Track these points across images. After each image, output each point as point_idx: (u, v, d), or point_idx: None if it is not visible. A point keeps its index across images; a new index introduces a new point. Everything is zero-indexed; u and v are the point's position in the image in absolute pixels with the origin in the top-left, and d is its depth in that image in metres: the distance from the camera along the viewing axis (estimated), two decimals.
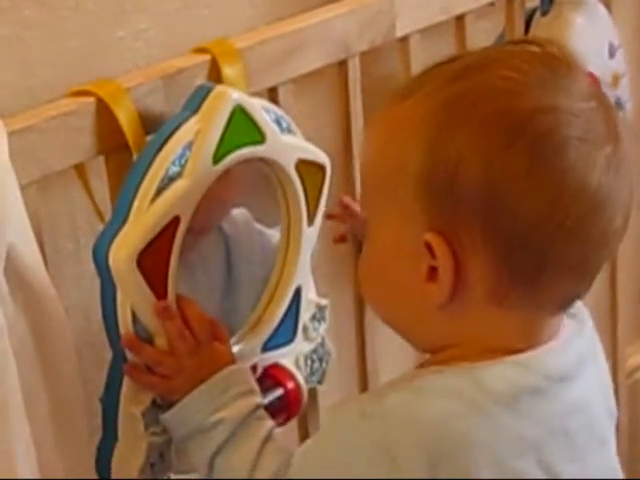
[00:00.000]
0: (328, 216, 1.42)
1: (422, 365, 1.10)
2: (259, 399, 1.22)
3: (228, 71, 1.29)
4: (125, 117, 1.20)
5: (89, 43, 1.32)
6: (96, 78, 1.24)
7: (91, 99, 1.19)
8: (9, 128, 1.10)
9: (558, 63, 1.07)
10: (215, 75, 1.28)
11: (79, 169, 1.22)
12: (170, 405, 1.22)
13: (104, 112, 1.19)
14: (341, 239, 1.53)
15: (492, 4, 1.61)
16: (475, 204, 1.01)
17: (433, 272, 1.03)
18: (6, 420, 1.08)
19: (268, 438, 1.20)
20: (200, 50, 1.30)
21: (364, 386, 1.59)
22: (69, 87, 1.23)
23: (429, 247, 1.03)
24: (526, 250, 1.03)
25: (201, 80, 1.28)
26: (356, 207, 1.48)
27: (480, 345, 1.07)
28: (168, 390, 1.22)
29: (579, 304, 1.13)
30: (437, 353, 1.09)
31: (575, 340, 1.12)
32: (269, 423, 1.21)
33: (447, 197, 1.02)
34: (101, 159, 1.22)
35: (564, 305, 1.08)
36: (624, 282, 2.01)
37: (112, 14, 1.33)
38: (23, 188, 1.11)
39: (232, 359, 1.24)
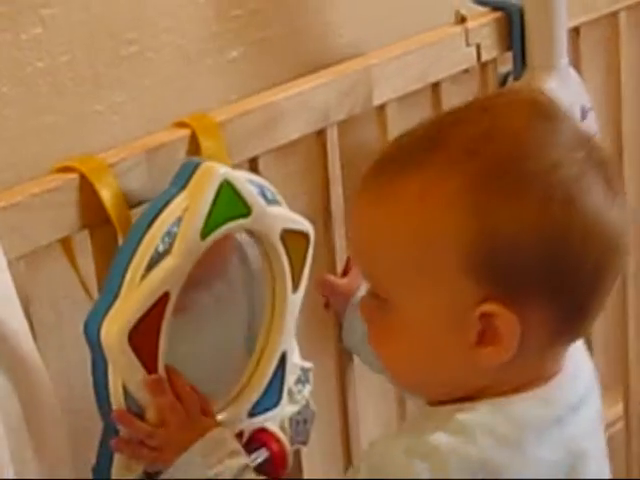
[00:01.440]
0: (319, 283, 1.46)
1: (439, 402, 1.12)
2: (247, 460, 1.24)
3: (207, 144, 1.30)
4: (108, 193, 1.22)
5: (67, 118, 1.33)
6: (77, 152, 1.27)
7: (74, 175, 1.21)
8: None
9: (552, 113, 1.10)
10: (195, 149, 1.30)
11: (65, 243, 1.23)
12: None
13: (87, 188, 1.21)
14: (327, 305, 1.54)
15: (466, 71, 1.62)
16: (536, 269, 1.04)
17: (483, 336, 1.05)
18: None
19: None
20: (180, 124, 1.32)
21: (347, 446, 1.60)
22: (51, 162, 1.25)
23: (486, 316, 1.04)
24: (581, 301, 1.08)
25: (182, 154, 1.30)
26: (336, 282, 1.50)
27: (510, 384, 1.09)
28: (159, 461, 1.23)
29: None
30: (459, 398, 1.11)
31: (584, 366, 1.17)
32: None
33: (503, 267, 1.04)
34: (86, 233, 1.24)
35: (579, 337, 1.15)
36: None
37: (89, 89, 1.35)
38: (11, 262, 1.12)
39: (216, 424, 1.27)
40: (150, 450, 1.23)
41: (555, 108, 1.10)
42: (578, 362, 1.16)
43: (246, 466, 1.23)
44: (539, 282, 1.06)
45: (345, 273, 1.51)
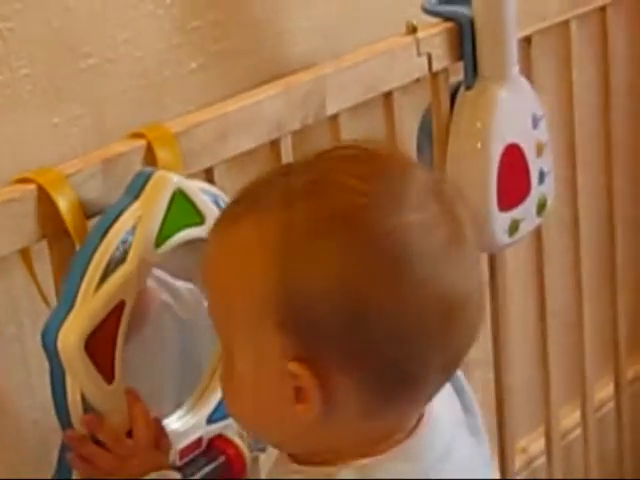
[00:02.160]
0: None
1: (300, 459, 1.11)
2: None
3: (163, 155, 1.31)
4: (65, 204, 1.22)
5: (25, 130, 1.33)
6: (35, 165, 1.27)
7: (32, 186, 1.22)
8: None
9: (395, 171, 1.05)
10: (150, 159, 1.31)
11: (23, 253, 1.25)
12: None
13: (45, 199, 1.22)
14: None
15: (418, 80, 1.63)
16: (337, 331, 1.00)
17: (300, 393, 1.02)
18: None
19: None
20: (136, 135, 1.33)
21: None
22: (9, 174, 1.26)
23: (293, 375, 1.00)
24: (395, 368, 1.02)
25: (138, 164, 1.31)
26: None
27: (359, 449, 1.06)
28: (116, 472, 1.23)
29: None
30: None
31: (447, 406, 1.14)
32: None
33: (307, 327, 1.00)
34: (44, 243, 1.24)
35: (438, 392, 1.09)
36: None
37: (47, 101, 1.35)
38: None
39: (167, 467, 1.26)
40: (111, 460, 1.22)
41: (402, 167, 1.07)
42: (439, 406, 1.12)
43: None
44: (343, 347, 1.01)
45: None
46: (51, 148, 1.35)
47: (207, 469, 1.34)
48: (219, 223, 1.09)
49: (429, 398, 1.07)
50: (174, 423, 1.32)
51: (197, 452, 1.34)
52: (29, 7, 1.31)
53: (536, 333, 2.07)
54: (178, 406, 1.34)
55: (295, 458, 1.10)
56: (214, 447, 1.36)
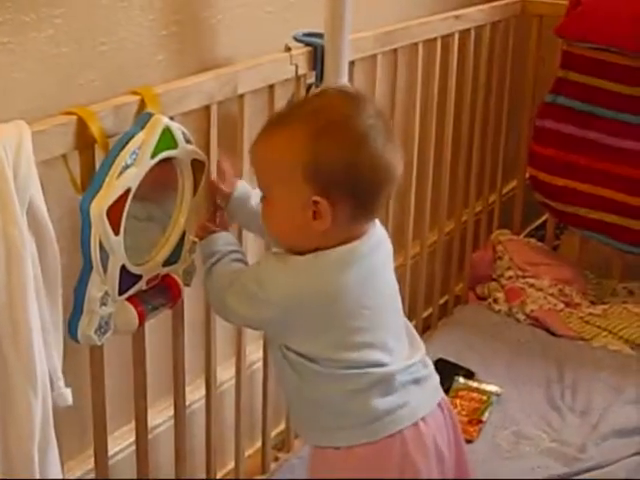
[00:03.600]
0: (213, 189, 1.50)
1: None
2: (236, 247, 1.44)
3: (150, 105, 1.35)
4: (94, 127, 1.27)
5: (65, 86, 1.38)
6: (71, 104, 1.32)
7: (74, 117, 1.27)
8: (33, 129, 1.18)
9: (355, 96, 1.32)
10: (143, 108, 1.34)
11: (64, 157, 1.27)
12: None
13: (82, 124, 1.27)
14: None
15: (288, 79, 1.69)
16: (336, 179, 1.26)
17: (315, 215, 1.27)
18: (25, 292, 1.14)
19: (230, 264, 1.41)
20: (134, 92, 1.37)
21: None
22: (59, 108, 1.30)
23: (316, 203, 1.26)
24: (367, 197, 1.29)
25: (134, 109, 1.35)
26: (221, 187, 1.50)
27: (333, 243, 1.30)
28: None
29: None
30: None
31: (377, 231, 1.36)
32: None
33: (325, 177, 1.26)
34: (76, 153, 1.29)
35: (373, 219, 1.35)
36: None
37: (75, 70, 1.40)
38: (38, 164, 1.18)
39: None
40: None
41: (352, 92, 1.34)
42: (381, 237, 1.37)
43: (232, 251, 1.42)
44: (345, 188, 1.27)
45: (221, 180, 1.51)
46: (81, 97, 1.39)
47: (160, 292, 1.42)
48: (267, 129, 1.32)
49: (376, 216, 1.34)
50: (146, 264, 1.38)
51: (155, 282, 1.42)
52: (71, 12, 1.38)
53: None
54: (149, 253, 1.39)
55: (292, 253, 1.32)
56: (164, 281, 1.44)
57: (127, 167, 1.23)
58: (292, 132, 1.26)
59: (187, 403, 1.71)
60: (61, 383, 1.25)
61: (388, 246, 1.39)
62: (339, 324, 1.30)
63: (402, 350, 1.37)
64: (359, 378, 1.31)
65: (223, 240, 1.43)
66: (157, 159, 1.28)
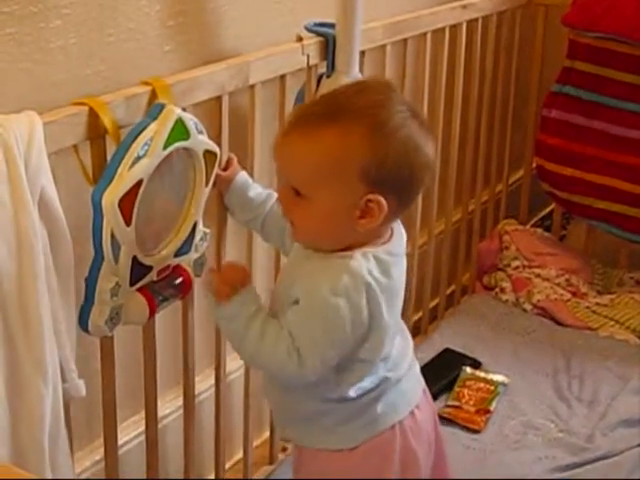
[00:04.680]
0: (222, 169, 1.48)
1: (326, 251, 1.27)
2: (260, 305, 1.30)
3: (162, 96, 1.34)
4: (106, 118, 1.27)
5: (73, 78, 1.37)
6: (81, 95, 1.32)
7: (86, 107, 1.27)
8: (44, 120, 1.18)
9: (394, 91, 1.29)
10: (154, 98, 1.34)
11: (75, 148, 1.27)
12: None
13: (93, 115, 1.27)
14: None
15: (300, 69, 1.67)
16: (393, 177, 1.23)
17: (363, 213, 1.23)
18: (36, 282, 1.14)
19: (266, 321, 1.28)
20: (145, 83, 1.36)
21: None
22: (70, 98, 1.30)
23: (369, 201, 1.22)
24: (411, 196, 1.28)
25: (146, 100, 1.34)
26: (221, 173, 1.48)
27: (372, 241, 1.27)
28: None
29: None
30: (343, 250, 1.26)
31: (403, 234, 1.34)
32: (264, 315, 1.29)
33: (381, 175, 1.22)
34: (87, 143, 1.29)
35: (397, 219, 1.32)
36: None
37: (84, 62, 1.39)
38: (50, 155, 1.18)
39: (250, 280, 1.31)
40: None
41: (392, 86, 1.29)
42: (401, 230, 1.34)
43: (257, 310, 1.28)
44: (398, 187, 1.24)
45: (226, 168, 1.50)
46: (94, 88, 1.39)
47: (170, 283, 1.42)
48: (304, 124, 1.24)
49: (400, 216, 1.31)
50: (157, 255, 1.38)
51: (166, 272, 1.41)
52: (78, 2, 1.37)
53: None
54: (161, 243, 1.39)
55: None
56: (175, 271, 1.43)
57: (139, 158, 1.22)
58: (345, 129, 1.20)
59: (196, 393, 1.70)
60: (74, 374, 1.25)
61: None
62: (378, 324, 1.27)
63: (399, 340, 1.36)
64: (374, 388, 1.31)
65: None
66: (169, 150, 1.27)
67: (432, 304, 2.44)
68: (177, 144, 1.28)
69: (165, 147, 1.26)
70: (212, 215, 1.59)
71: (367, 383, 1.30)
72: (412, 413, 1.36)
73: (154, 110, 1.27)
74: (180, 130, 1.28)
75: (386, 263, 1.27)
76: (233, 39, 1.66)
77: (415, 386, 1.39)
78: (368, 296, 1.22)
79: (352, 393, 1.30)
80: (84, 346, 1.37)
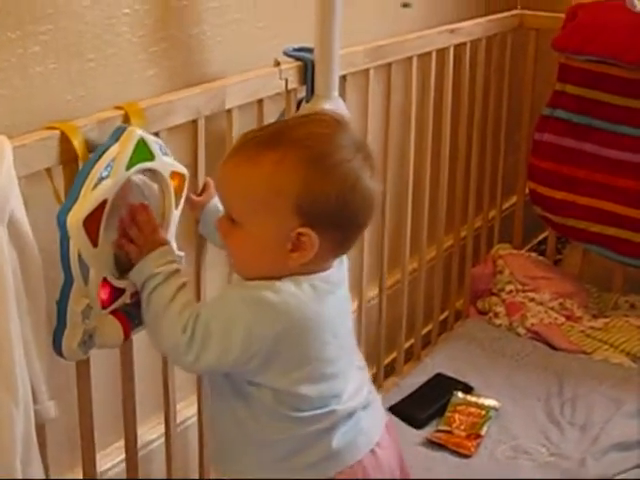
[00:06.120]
0: (186, 199, 1.45)
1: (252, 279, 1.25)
2: (179, 266, 1.30)
3: (134, 120, 1.35)
4: (77, 141, 1.28)
5: (53, 104, 1.39)
6: (56, 118, 1.33)
7: (57, 131, 1.28)
8: (14, 144, 1.19)
9: (342, 125, 1.26)
10: (127, 122, 1.35)
11: (48, 171, 1.28)
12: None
13: (65, 139, 1.28)
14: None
15: (278, 94, 1.69)
16: (328, 212, 1.21)
17: (294, 247, 1.21)
18: (6, 304, 1.14)
19: (182, 287, 1.28)
20: (118, 107, 1.38)
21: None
22: (43, 122, 1.31)
23: (300, 235, 1.20)
24: (351, 233, 1.27)
25: (118, 125, 1.33)
26: (196, 198, 1.50)
27: (304, 273, 1.25)
28: (135, 254, 1.29)
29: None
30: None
31: (343, 265, 1.33)
32: (183, 280, 1.29)
33: (315, 209, 1.21)
34: (60, 167, 1.30)
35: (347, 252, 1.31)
36: None
37: (66, 85, 1.40)
38: (20, 178, 1.18)
39: (166, 241, 1.31)
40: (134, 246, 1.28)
41: (344, 122, 1.28)
42: (344, 273, 1.33)
43: (177, 270, 1.28)
44: (334, 222, 1.22)
45: (201, 193, 1.51)
46: (69, 112, 1.39)
47: None
48: (245, 150, 1.23)
49: (340, 255, 1.30)
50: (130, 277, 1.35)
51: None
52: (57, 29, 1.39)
53: None
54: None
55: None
56: None
57: (103, 179, 1.23)
58: (281, 158, 1.19)
59: (182, 419, 1.72)
60: (45, 396, 1.25)
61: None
62: (314, 354, 1.26)
63: (355, 375, 1.34)
64: (323, 418, 1.27)
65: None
66: (133, 170, 1.28)
67: (425, 330, 2.44)
68: (140, 165, 1.29)
69: (128, 168, 1.26)
70: (191, 238, 1.60)
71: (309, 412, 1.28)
72: (373, 451, 1.32)
73: (116, 132, 1.28)
74: (143, 151, 1.29)
75: (321, 290, 1.25)
76: (218, 64, 1.68)
77: (376, 423, 1.35)
78: (286, 321, 1.21)
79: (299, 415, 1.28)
80: (64, 369, 1.39)
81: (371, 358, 2.21)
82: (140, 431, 1.62)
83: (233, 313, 1.20)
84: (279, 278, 1.22)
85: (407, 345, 2.35)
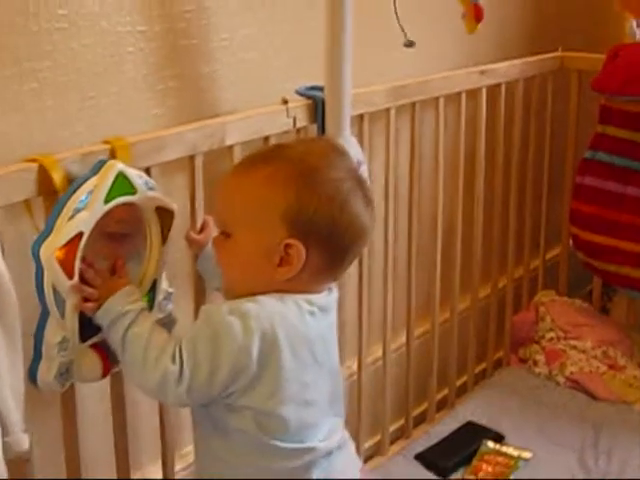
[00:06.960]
0: (186, 237, 1.46)
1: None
2: (144, 305, 1.28)
3: (119, 155, 1.35)
4: (56, 175, 1.28)
5: (53, 137, 1.40)
6: (38, 151, 1.33)
7: (36, 164, 1.28)
8: None
9: (339, 150, 1.29)
10: (113, 157, 1.35)
11: (26, 203, 1.29)
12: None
13: (44, 172, 1.28)
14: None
15: (286, 132, 1.68)
16: (315, 226, 1.23)
17: (281, 261, 1.23)
18: None
19: (155, 322, 1.27)
20: (105, 142, 1.37)
21: None
22: (23, 154, 1.31)
23: (288, 246, 1.22)
24: (337, 254, 1.26)
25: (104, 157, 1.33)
26: (195, 237, 1.47)
27: (291, 290, 1.26)
28: (96, 304, 1.26)
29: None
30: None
31: (332, 294, 1.33)
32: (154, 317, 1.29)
33: (302, 222, 1.22)
34: (40, 198, 1.30)
35: (335, 279, 1.31)
36: None
37: (63, 120, 1.41)
38: None
39: (128, 283, 1.29)
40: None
41: (341, 148, 1.30)
42: (333, 303, 1.33)
43: (144, 308, 1.27)
44: (319, 238, 1.23)
45: (201, 231, 1.49)
46: (54, 146, 1.39)
47: None
48: (245, 165, 1.28)
49: (339, 277, 1.31)
50: None
51: None
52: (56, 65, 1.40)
53: None
54: None
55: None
56: None
57: (79, 211, 1.23)
58: (274, 171, 1.23)
59: (185, 465, 1.69)
60: (17, 428, 1.24)
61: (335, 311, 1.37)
62: (295, 375, 1.25)
63: (331, 419, 1.34)
64: (303, 454, 1.27)
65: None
66: (112, 204, 1.27)
67: (459, 382, 2.39)
68: (121, 199, 1.28)
69: (107, 201, 1.26)
70: (189, 276, 1.60)
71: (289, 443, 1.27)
72: None
73: (96, 165, 1.29)
74: (123, 185, 1.28)
75: (305, 310, 1.25)
76: (226, 103, 1.68)
77: (350, 465, 1.36)
78: (269, 329, 1.21)
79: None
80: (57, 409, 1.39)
81: (402, 409, 2.20)
82: None
83: (217, 327, 1.20)
84: (264, 294, 1.24)
85: (440, 396, 2.31)
